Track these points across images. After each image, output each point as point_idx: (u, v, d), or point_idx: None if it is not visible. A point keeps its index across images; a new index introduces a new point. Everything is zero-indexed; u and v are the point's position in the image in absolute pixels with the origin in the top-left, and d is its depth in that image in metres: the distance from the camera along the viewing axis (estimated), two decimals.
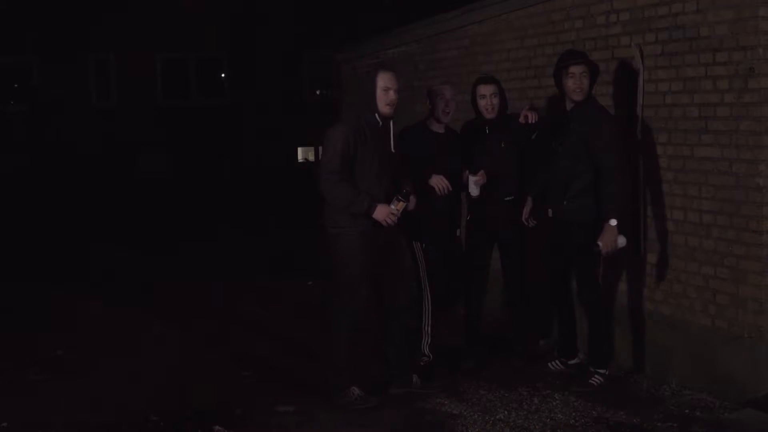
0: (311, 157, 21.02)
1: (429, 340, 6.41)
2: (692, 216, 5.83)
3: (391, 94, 5.68)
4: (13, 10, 18.17)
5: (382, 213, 5.55)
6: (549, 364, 6.32)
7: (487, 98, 6.33)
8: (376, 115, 5.69)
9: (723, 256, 5.61)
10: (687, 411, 5.53)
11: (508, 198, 6.40)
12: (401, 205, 5.61)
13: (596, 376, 5.97)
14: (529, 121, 6.33)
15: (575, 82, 5.86)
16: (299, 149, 21.12)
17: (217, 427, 5.30)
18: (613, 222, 5.66)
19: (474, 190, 6.31)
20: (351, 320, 5.73)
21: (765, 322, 5.39)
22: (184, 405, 5.73)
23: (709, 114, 5.66)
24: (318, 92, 21.13)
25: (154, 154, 19.16)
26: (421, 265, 6.35)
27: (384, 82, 5.66)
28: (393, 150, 5.86)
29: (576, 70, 5.86)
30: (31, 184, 16.72)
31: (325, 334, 5.96)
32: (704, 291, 5.76)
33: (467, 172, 6.33)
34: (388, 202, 5.60)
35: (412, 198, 5.74)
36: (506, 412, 5.56)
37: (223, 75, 20.80)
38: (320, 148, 5.99)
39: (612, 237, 5.68)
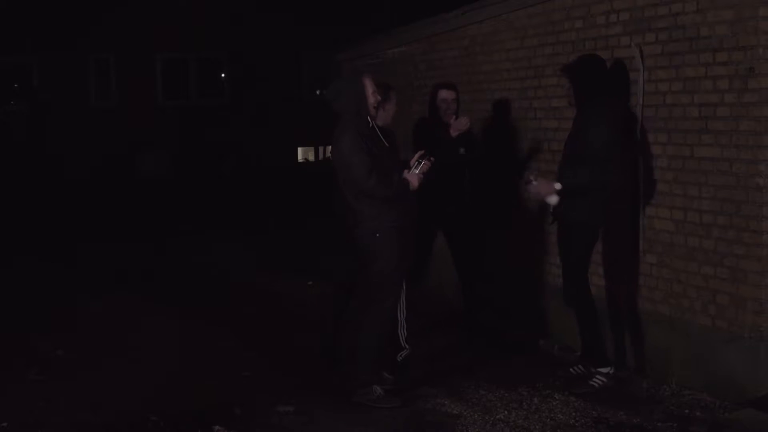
0: (311, 157, 21.02)
1: (406, 334, 6.41)
2: (692, 216, 5.83)
3: (376, 96, 5.91)
4: (13, 10, 18.17)
5: (414, 179, 5.80)
6: (570, 369, 6.20)
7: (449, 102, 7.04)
8: (368, 116, 5.84)
9: (723, 256, 5.61)
10: (687, 411, 5.53)
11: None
12: (423, 167, 5.86)
13: (597, 376, 5.95)
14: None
15: None
16: (299, 149, 21.12)
17: (217, 427, 5.30)
18: (558, 186, 5.80)
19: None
20: (387, 317, 5.81)
21: (765, 322, 5.39)
22: (184, 405, 5.73)
23: (709, 114, 5.66)
24: (318, 92, 21.15)
25: (154, 154, 19.16)
26: None
27: (371, 86, 5.84)
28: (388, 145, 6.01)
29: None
30: (30, 184, 16.71)
31: (348, 333, 5.97)
32: (704, 291, 5.76)
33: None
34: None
35: (425, 162, 5.90)
36: (506, 412, 5.56)
37: (223, 75, 20.80)
38: (326, 149, 6.08)
39: (547, 189, 5.84)
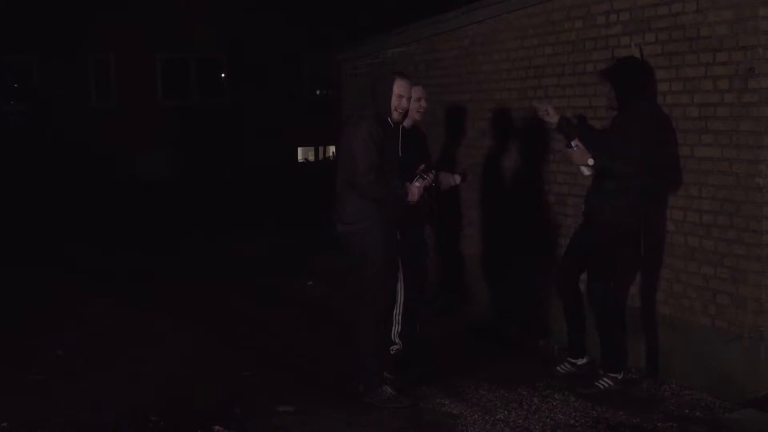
0: (311, 157, 21.03)
1: (399, 329, 6.43)
2: (692, 216, 5.83)
3: (404, 102, 5.79)
4: (13, 9, 18.18)
5: (414, 192, 5.78)
6: (558, 368, 6.23)
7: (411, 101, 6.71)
8: (389, 118, 5.80)
9: (723, 256, 5.61)
10: (687, 411, 5.53)
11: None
12: (423, 183, 5.86)
13: (605, 379, 5.91)
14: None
15: None
16: (299, 149, 21.13)
17: (217, 427, 5.30)
18: (591, 161, 5.69)
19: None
20: (380, 317, 5.77)
21: (765, 322, 5.39)
22: (184, 405, 5.73)
23: (709, 114, 5.65)
24: (318, 92, 21.15)
25: (154, 154, 19.17)
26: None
27: (399, 89, 5.75)
28: (400, 153, 6.01)
29: None
30: (30, 184, 16.71)
31: (351, 333, 5.99)
32: (704, 291, 5.76)
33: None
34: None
35: (429, 175, 5.92)
36: (506, 412, 5.56)
37: (223, 75, 20.81)
38: (326, 149, 6.06)
39: (582, 159, 5.72)
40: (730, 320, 5.59)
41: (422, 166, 5.93)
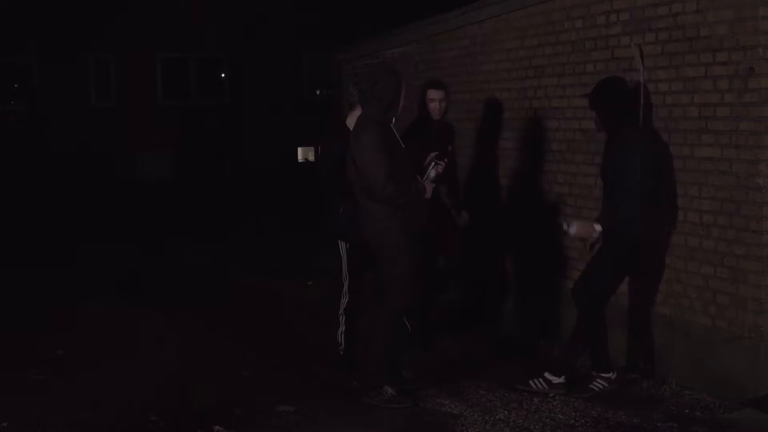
0: (311, 157, 21.02)
1: (343, 329, 6.38)
2: (692, 216, 5.83)
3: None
4: (13, 10, 18.19)
5: (428, 188, 5.83)
6: (531, 382, 5.91)
7: (436, 102, 6.78)
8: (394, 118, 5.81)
9: (723, 256, 5.61)
10: (687, 411, 5.53)
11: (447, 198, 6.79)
12: (438, 168, 5.93)
13: (598, 380, 5.89)
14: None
15: None
16: (299, 149, 21.13)
17: (217, 427, 5.30)
18: (599, 228, 5.60)
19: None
20: (398, 317, 5.76)
21: (765, 322, 5.39)
22: (184, 405, 5.74)
23: (709, 114, 5.66)
24: (318, 92, 21.14)
25: (154, 154, 19.17)
26: (344, 261, 6.35)
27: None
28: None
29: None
30: (29, 184, 16.71)
31: (350, 333, 6.00)
32: (704, 291, 5.76)
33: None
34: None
35: (440, 164, 5.96)
36: (506, 412, 5.56)
37: (223, 75, 20.81)
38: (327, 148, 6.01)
39: (588, 231, 5.67)
40: (730, 320, 5.59)
41: (432, 155, 5.89)
